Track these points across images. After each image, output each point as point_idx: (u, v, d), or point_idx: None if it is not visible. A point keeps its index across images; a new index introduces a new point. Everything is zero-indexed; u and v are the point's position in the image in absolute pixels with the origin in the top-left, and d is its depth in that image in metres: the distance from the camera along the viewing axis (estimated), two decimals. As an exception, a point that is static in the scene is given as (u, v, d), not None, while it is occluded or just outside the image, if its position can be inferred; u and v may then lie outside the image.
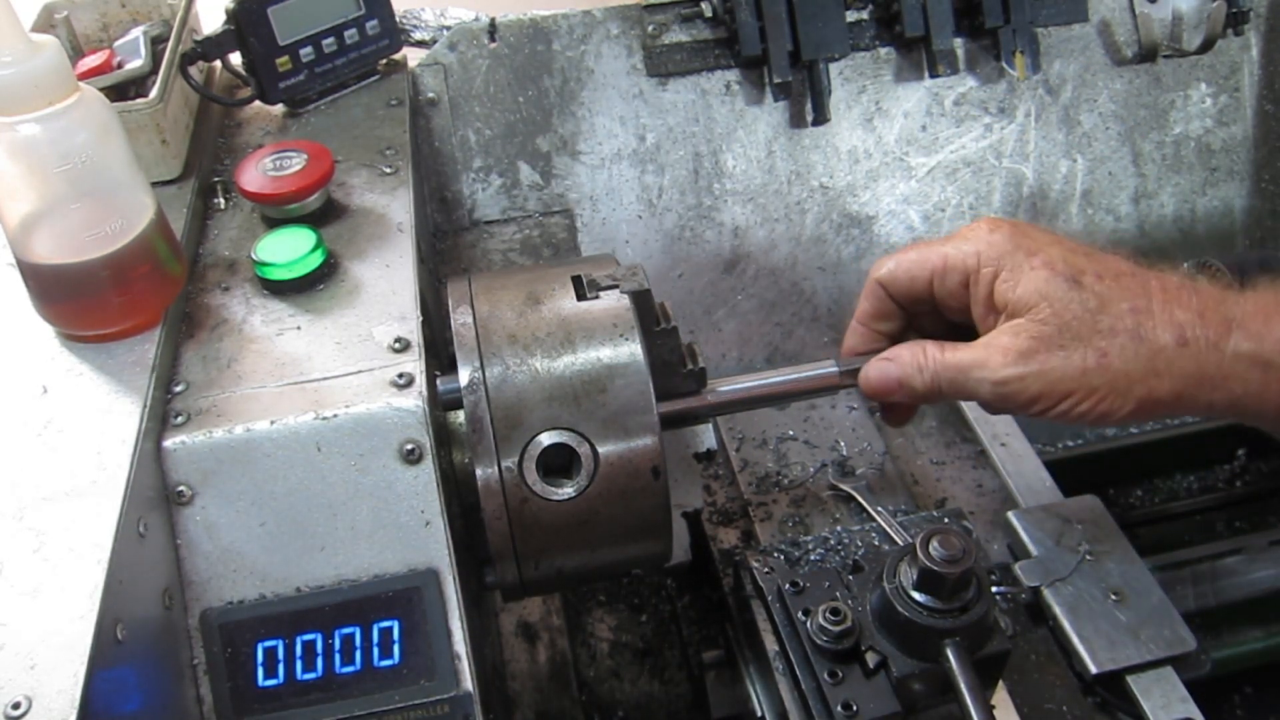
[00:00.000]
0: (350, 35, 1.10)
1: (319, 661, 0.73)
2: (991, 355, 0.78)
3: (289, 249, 0.84)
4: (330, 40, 1.08)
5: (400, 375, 0.75)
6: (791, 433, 1.17)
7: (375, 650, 0.73)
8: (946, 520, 0.99)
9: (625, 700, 1.10)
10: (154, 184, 0.87)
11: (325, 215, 0.93)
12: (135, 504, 0.67)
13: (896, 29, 1.26)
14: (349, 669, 0.73)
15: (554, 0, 1.30)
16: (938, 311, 0.85)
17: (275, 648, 0.73)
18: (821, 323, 1.39)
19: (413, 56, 1.21)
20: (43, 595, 0.61)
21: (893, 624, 0.78)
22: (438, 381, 0.81)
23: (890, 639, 0.79)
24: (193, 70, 1.03)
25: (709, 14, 1.24)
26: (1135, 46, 1.34)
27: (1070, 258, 0.76)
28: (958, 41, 1.29)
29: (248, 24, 1.04)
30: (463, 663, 0.73)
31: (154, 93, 0.93)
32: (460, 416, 0.82)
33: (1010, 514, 1.03)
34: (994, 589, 0.94)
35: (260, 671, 0.72)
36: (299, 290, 0.84)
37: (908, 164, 1.35)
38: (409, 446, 0.74)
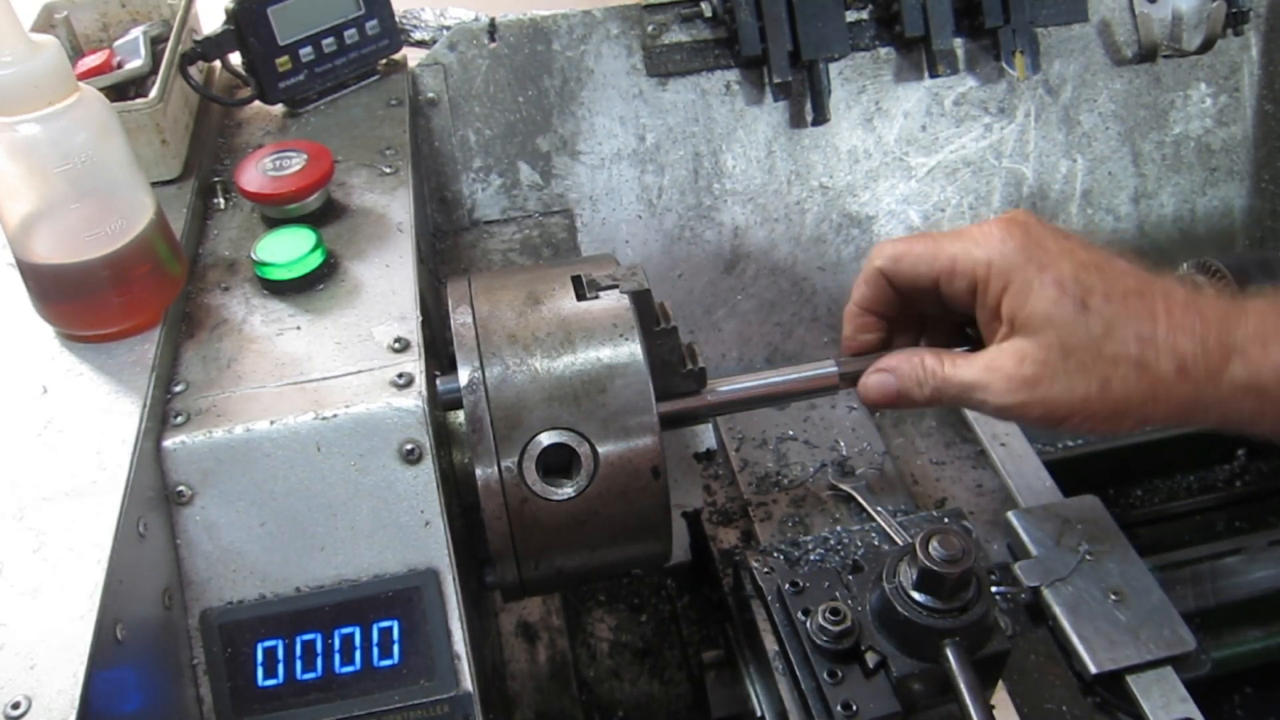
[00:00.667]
0: (350, 35, 1.10)
1: (319, 661, 0.73)
2: (995, 380, 0.77)
3: (289, 249, 0.84)
4: (330, 40, 1.08)
5: (400, 375, 0.75)
6: (791, 433, 1.17)
7: (375, 650, 0.73)
8: (946, 520, 0.99)
9: (625, 700, 1.10)
10: (154, 184, 0.87)
11: (325, 215, 0.93)
12: (135, 504, 0.67)
13: (896, 29, 1.26)
14: (349, 669, 0.73)
15: (554, 0, 1.30)
16: (938, 301, 0.85)
17: (275, 648, 0.73)
18: (821, 323, 1.39)
19: (413, 56, 1.21)
20: (43, 595, 0.61)
21: (892, 624, 0.78)
22: (438, 381, 0.81)
23: (890, 639, 0.79)
24: (193, 70, 1.03)
25: (709, 14, 1.24)
26: (1135, 46, 1.34)
27: (1081, 276, 0.75)
28: (958, 41, 1.29)
29: (248, 24, 1.04)
30: (462, 663, 0.73)
31: (154, 93, 0.93)
32: (460, 416, 0.82)
33: (1010, 514, 1.03)
34: (994, 589, 0.94)
35: (260, 671, 0.72)
36: (299, 290, 0.84)
37: (908, 164, 1.35)
38: (409, 446, 0.74)
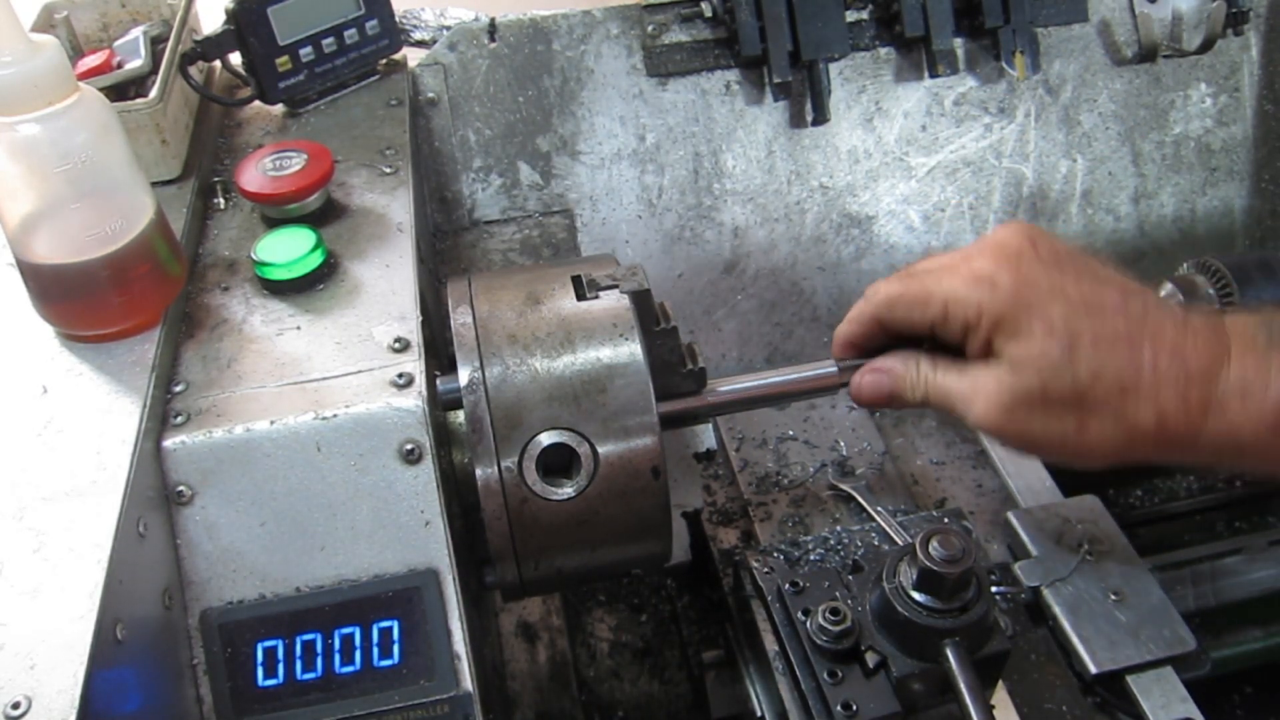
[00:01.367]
0: (350, 35, 1.10)
1: (319, 661, 0.73)
2: (977, 398, 0.78)
3: (289, 249, 0.84)
4: (330, 40, 1.08)
5: (400, 375, 0.75)
6: (791, 433, 1.17)
7: (375, 650, 0.73)
8: (946, 520, 0.99)
9: (625, 700, 1.10)
10: (154, 184, 0.87)
11: (325, 215, 0.93)
12: (135, 504, 0.67)
13: (896, 29, 1.26)
14: (349, 669, 0.73)
15: (554, 0, 1.30)
16: (932, 336, 0.85)
17: (275, 648, 0.73)
18: (821, 323, 1.39)
19: (413, 56, 1.21)
20: (43, 595, 0.61)
21: (892, 624, 0.78)
22: (438, 381, 0.81)
23: (890, 639, 0.79)
24: (193, 70, 1.03)
25: (709, 14, 1.24)
26: (1135, 46, 1.34)
27: (1071, 319, 0.74)
28: (958, 41, 1.29)
29: (248, 24, 1.04)
30: (463, 663, 0.73)
31: (154, 93, 0.93)
32: (460, 416, 0.82)
33: (1010, 514, 1.03)
34: (994, 589, 0.94)
35: (260, 671, 0.72)
36: (299, 290, 0.84)
37: (908, 164, 1.35)
38: (409, 446, 0.74)
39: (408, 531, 0.74)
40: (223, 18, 1.04)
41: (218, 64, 1.12)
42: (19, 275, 0.77)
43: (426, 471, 0.74)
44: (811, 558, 0.93)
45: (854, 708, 0.77)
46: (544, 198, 1.29)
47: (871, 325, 0.85)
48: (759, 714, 0.90)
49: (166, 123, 0.94)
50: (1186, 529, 1.28)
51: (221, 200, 0.97)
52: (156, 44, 1.06)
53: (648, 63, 1.26)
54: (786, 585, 0.85)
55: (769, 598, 0.87)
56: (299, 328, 0.81)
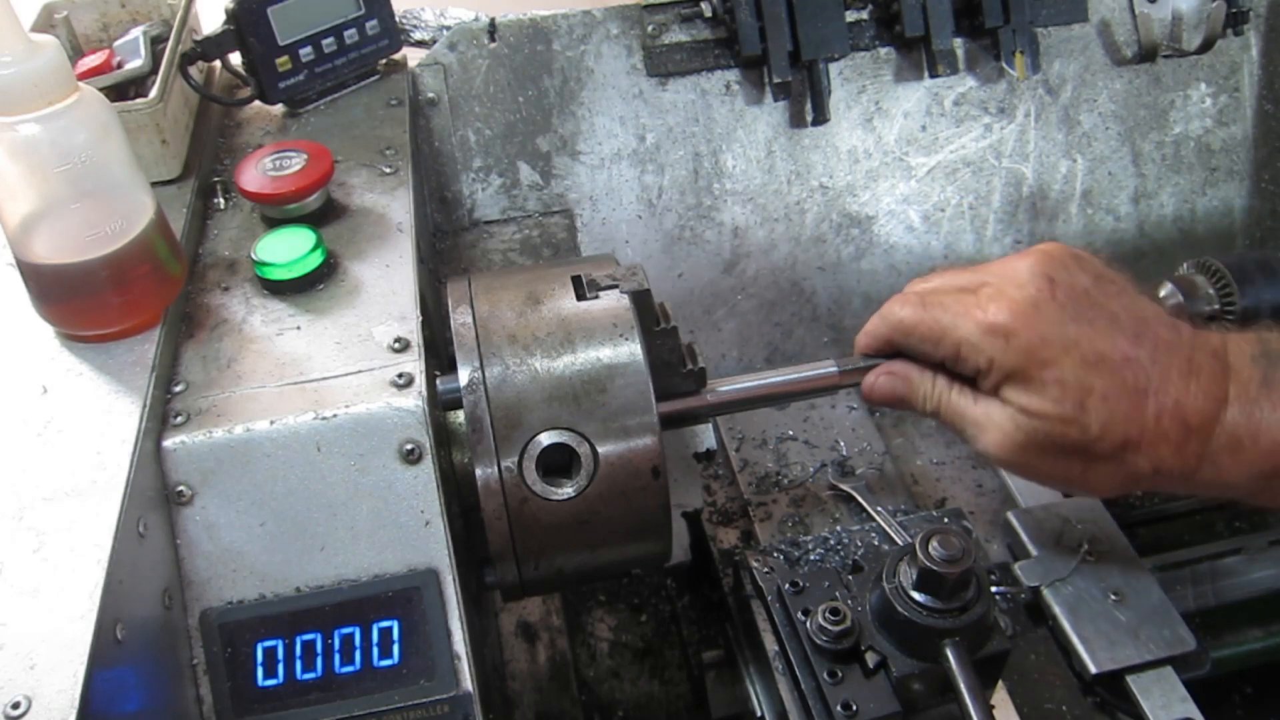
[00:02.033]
0: (350, 35, 1.10)
1: (319, 661, 0.73)
2: (988, 430, 0.81)
3: (289, 249, 0.84)
4: (330, 40, 1.08)
5: (400, 375, 0.75)
6: (791, 433, 1.17)
7: (375, 650, 0.73)
8: (946, 520, 0.99)
9: (625, 700, 1.10)
10: (154, 184, 0.87)
11: (325, 215, 0.93)
12: (135, 504, 0.67)
13: (896, 29, 1.26)
14: (349, 669, 0.73)
15: (554, 0, 1.30)
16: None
17: (275, 648, 0.73)
18: (821, 323, 1.39)
19: (413, 56, 1.21)
20: (43, 595, 0.61)
21: (892, 624, 0.78)
22: (437, 381, 0.81)
23: (890, 639, 0.79)
24: (193, 70, 1.03)
25: (709, 14, 1.24)
26: (1135, 46, 1.34)
27: (1083, 376, 0.76)
28: (958, 41, 1.29)
29: (248, 24, 1.04)
30: (463, 663, 0.73)
31: (154, 93, 0.93)
32: (460, 416, 0.82)
33: (1010, 514, 1.03)
34: (994, 589, 0.94)
35: (260, 671, 0.72)
36: (299, 290, 0.84)
37: (908, 164, 1.35)
38: (409, 446, 0.74)
39: (408, 531, 0.74)
40: (223, 18, 1.04)
41: (218, 64, 1.12)
42: (19, 275, 0.77)
43: (426, 471, 0.74)
44: (811, 558, 0.93)
45: (854, 708, 0.77)
46: (544, 198, 1.29)
47: (885, 345, 0.87)
48: (759, 714, 0.90)
49: (166, 123, 0.94)
50: (1186, 529, 1.28)
51: (221, 200, 0.97)
52: (156, 44, 1.06)
53: (648, 63, 1.26)
54: (786, 585, 0.85)
55: (769, 598, 0.87)
56: (299, 328, 0.81)
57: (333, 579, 0.74)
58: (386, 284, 0.85)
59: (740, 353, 1.39)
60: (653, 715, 1.10)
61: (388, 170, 0.99)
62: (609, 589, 1.16)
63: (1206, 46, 1.32)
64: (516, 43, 1.23)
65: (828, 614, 0.80)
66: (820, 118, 1.27)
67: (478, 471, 0.77)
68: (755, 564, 0.91)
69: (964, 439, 0.84)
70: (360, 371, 0.76)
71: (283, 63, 1.06)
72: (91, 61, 1.06)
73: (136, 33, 1.07)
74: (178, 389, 0.76)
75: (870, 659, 0.78)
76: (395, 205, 0.94)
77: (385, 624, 0.73)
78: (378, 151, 1.02)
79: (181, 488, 0.72)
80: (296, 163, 0.92)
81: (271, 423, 0.72)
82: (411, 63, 1.20)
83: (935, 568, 0.74)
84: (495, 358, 0.79)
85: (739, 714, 0.99)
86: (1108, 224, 1.41)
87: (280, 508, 0.73)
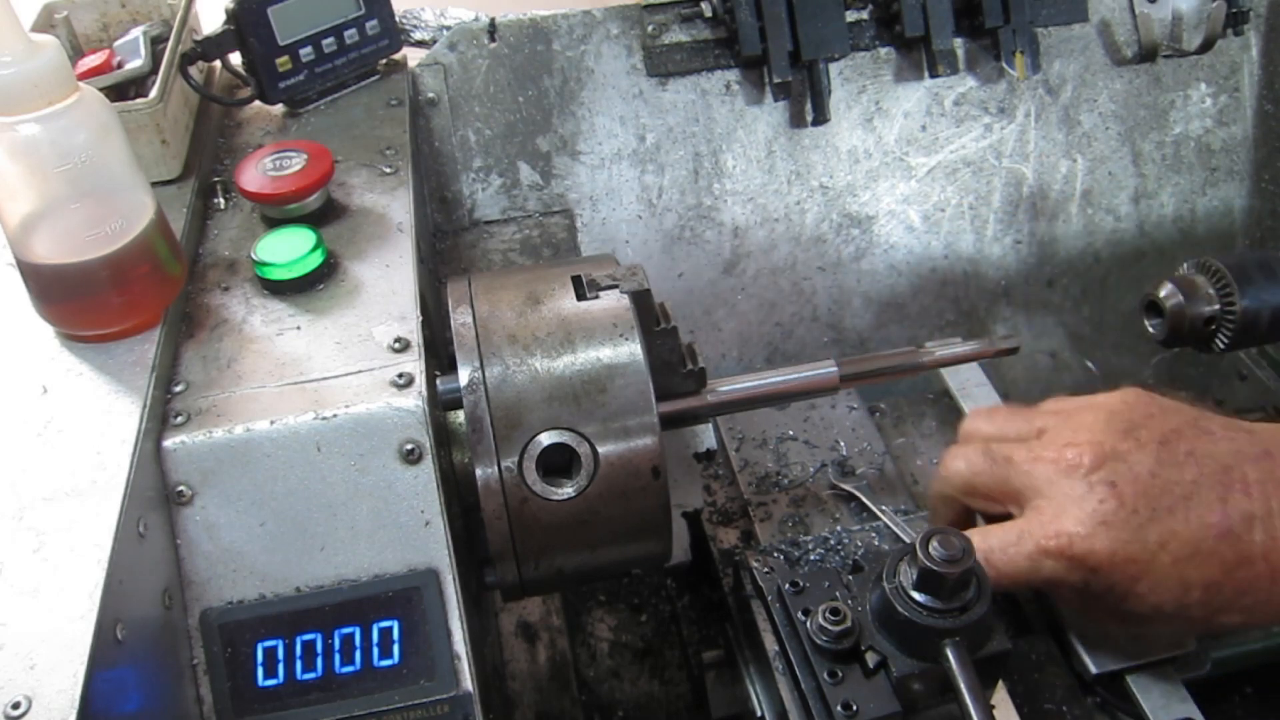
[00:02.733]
0: (350, 35, 1.10)
1: (319, 661, 0.73)
2: (1041, 564, 0.77)
3: (289, 249, 0.84)
4: (330, 40, 1.08)
5: (400, 375, 0.75)
6: (791, 433, 1.17)
7: (375, 650, 0.73)
8: (946, 520, 0.99)
9: (625, 700, 1.10)
10: (154, 184, 0.87)
11: (325, 215, 0.93)
12: (135, 504, 0.67)
13: (896, 29, 1.26)
14: (349, 669, 0.73)
15: (554, 0, 1.30)
16: None
17: (275, 648, 0.73)
18: (821, 323, 1.39)
19: (413, 56, 1.21)
20: (43, 595, 0.61)
21: (893, 624, 0.78)
22: (437, 381, 0.81)
23: (890, 639, 0.78)
24: (193, 70, 1.03)
25: (709, 14, 1.24)
26: (1135, 46, 1.34)
27: (1177, 573, 0.72)
28: (958, 41, 1.29)
29: (248, 24, 1.04)
30: (463, 663, 0.73)
31: (154, 93, 0.93)
32: (460, 416, 0.82)
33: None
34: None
35: (260, 671, 0.72)
36: (299, 290, 0.84)
37: (908, 164, 1.35)
38: (409, 446, 0.74)
39: (408, 531, 0.74)
40: (223, 18, 1.04)
41: (218, 64, 1.12)
42: (19, 275, 0.77)
43: (426, 471, 0.74)
44: (811, 558, 0.93)
45: (854, 708, 0.77)
46: (544, 198, 1.29)
47: (950, 512, 0.87)
48: (759, 714, 0.90)
49: (166, 123, 0.94)
50: (1186, 529, 1.27)
51: (221, 200, 0.97)
52: (156, 44, 1.06)
53: (648, 63, 1.26)
54: (786, 585, 0.85)
55: (769, 598, 0.87)
56: (299, 328, 0.81)
57: (333, 579, 0.74)
58: (386, 284, 0.85)
59: (740, 353, 1.39)
60: (653, 715, 1.10)
61: (388, 170, 0.99)
62: (609, 589, 1.16)
63: (1206, 46, 1.32)
64: (516, 43, 1.23)
65: (828, 614, 0.80)
66: (820, 118, 1.27)
67: (478, 471, 0.77)
68: (755, 564, 0.91)
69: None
70: (360, 371, 0.76)
71: (283, 63, 1.06)
72: (91, 61, 1.06)
73: (136, 33, 1.07)
74: (178, 389, 0.76)
75: (870, 659, 0.78)
76: (395, 205, 0.94)
77: (385, 624, 0.73)
78: (378, 151, 1.02)
79: (181, 488, 0.72)
80: (296, 163, 0.92)
81: (271, 423, 0.72)
82: (411, 63, 1.20)
83: (935, 568, 0.74)
84: (495, 358, 0.79)
85: (739, 714, 0.98)
86: (1108, 224, 1.41)
87: (280, 508, 0.73)
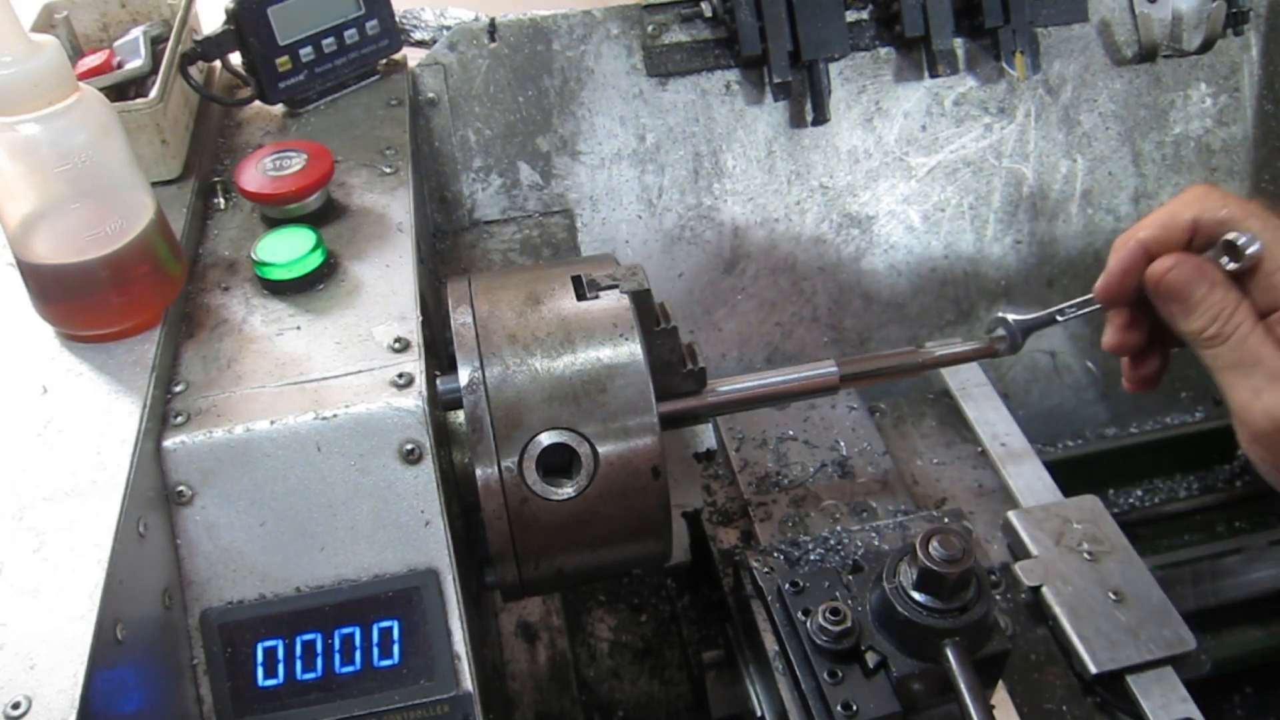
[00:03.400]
0: (350, 35, 1.10)
1: (319, 661, 0.73)
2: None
3: (289, 249, 0.84)
4: (330, 40, 1.08)
5: (400, 375, 0.75)
6: (791, 433, 1.17)
7: (375, 650, 0.73)
8: (946, 520, 0.99)
9: (625, 700, 1.10)
10: (154, 184, 0.87)
11: (325, 215, 0.93)
12: (135, 504, 0.67)
13: (896, 29, 1.26)
14: (349, 669, 0.73)
15: (554, 0, 1.30)
16: None
17: (275, 648, 0.73)
18: (821, 323, 1.39)
19: (413, 56, 1.21)
20: (43, 595, 0.61)
21: (893, 624, 0.78)
22: (438, 381, 0.81)
23: (890, 639, 0.79)
24: (193, 70, 1.03)
25: (709, 14, 1.24)
26: (1135, 46, 1.34)
27: None
28: (958, 41, 1.29)
29: (248, 24, 1.04)
30: (463, 663, 0.73)
31: (154, 93, 0.93)
32: (460, 416, 0.82)
33: (1010, 514, 1.03)
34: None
35: (260, 671, 0.72)
36: (299, 290, 0.84)
37: (908, 164, 1.35)
38: (409, 446, 0.74)
39: (408, 531, 0.74)
40: (223, 18, 1.04)
41: (218, 64, 1.12)
42: (19, 275, 0.77)
43: (426, 471, 0.74)
44: (811, 558, 0.93)
45: (854, 708, 0.77)
46: (544, 198, 1.29)
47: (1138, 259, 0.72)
48: (759, 714, 0.90)
49: (166, 123, 0.94)
50: (1186, 529, 1.28)
51: (221, 200, 0.97)
52: (156, 44, 1.06)
53: (648, 63, 1.26)
54: (786, 585, 0.85)
55: (769, 598, 0.87)
56: (299, 328, 0.81)
57: (333, 579, 0.74)
58: (386, 284, 0.85)
59: (740, 353, 1.39)
60: (653, 715, 1.10)
61: (388, 170, 0.99)
62: (609, 589, 1.16)
63: (1206, 46, 1.32)
64: (516, 43, 1.23)
65: (828, 614, 0.80)
66: (820, 118, 1.27)
67: (478, 471, 0.77)
68: (755, 564, 0.91)
69: (1229, 394, 0.68)
70: (360, 371, 0.76)
71: (283, 63, 1.06)
72: (91, 61, 1.06)
73: (136, 33, 1.07)
74: (178, 389, 0.76)
75: (870, 659, 0.78)
76: (395, 205, 0.94)
77: (385, 624, 0.73)
78: (378, 151, 1.02)
79: (181, 488, 0.72)
80: (296, 163, 0.92)
81: (271, 423, 0.72)
82: (411, 63, 1.20)
83: (935, 568, 0.74)
84: (495, 358, 0.79)
85: (739, 714, 0.99)
86: (1108, 224, 1.41)
87: (280, 508, 0.73)
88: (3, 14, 0.66)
